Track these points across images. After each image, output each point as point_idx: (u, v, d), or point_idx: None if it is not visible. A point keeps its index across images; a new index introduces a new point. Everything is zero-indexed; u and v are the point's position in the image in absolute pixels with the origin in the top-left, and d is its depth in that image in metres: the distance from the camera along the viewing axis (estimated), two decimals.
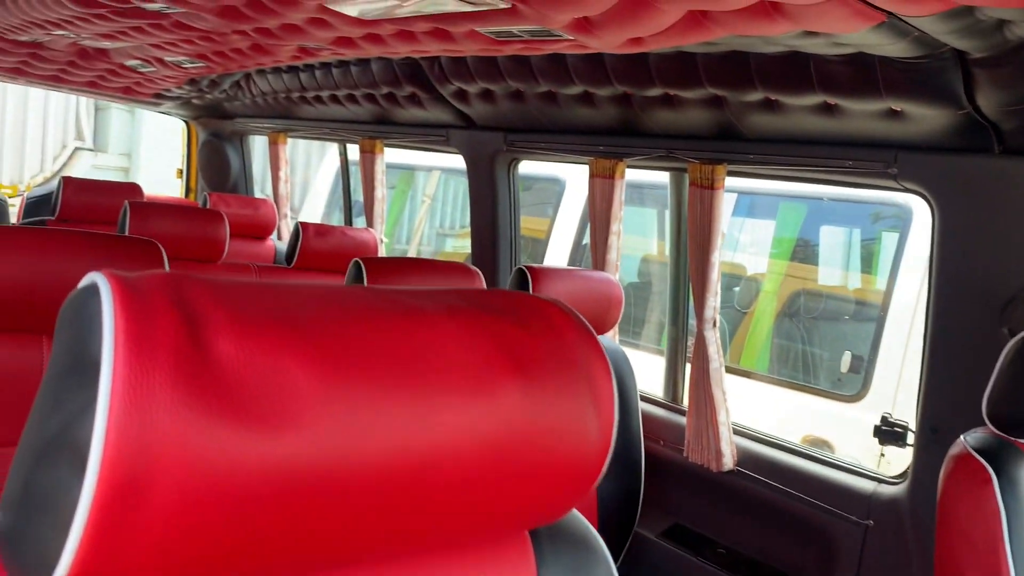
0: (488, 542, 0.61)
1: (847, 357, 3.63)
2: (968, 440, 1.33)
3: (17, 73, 3.93)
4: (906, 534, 1.96)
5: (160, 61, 3.38)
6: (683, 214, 2.70)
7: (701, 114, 2.23)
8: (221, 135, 4.93)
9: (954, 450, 1.35)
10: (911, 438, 2.07)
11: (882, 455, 3.25)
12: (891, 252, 3.73)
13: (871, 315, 3.77)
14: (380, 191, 3.73)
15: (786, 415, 3.70)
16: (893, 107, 1.82)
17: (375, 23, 2.10)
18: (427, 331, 0.52)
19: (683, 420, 2.49)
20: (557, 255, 4.80)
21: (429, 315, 0.54)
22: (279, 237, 4.42)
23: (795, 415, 3.69)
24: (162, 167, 7.63)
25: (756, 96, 2.03)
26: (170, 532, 0.44)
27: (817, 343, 3.98)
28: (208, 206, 3.88)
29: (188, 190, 5.34)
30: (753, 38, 1.74)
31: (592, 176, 2.69)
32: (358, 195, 4.18)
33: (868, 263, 4.03)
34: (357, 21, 2.09)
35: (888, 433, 2.16)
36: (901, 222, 3.64)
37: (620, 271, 2.79)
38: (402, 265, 2.05)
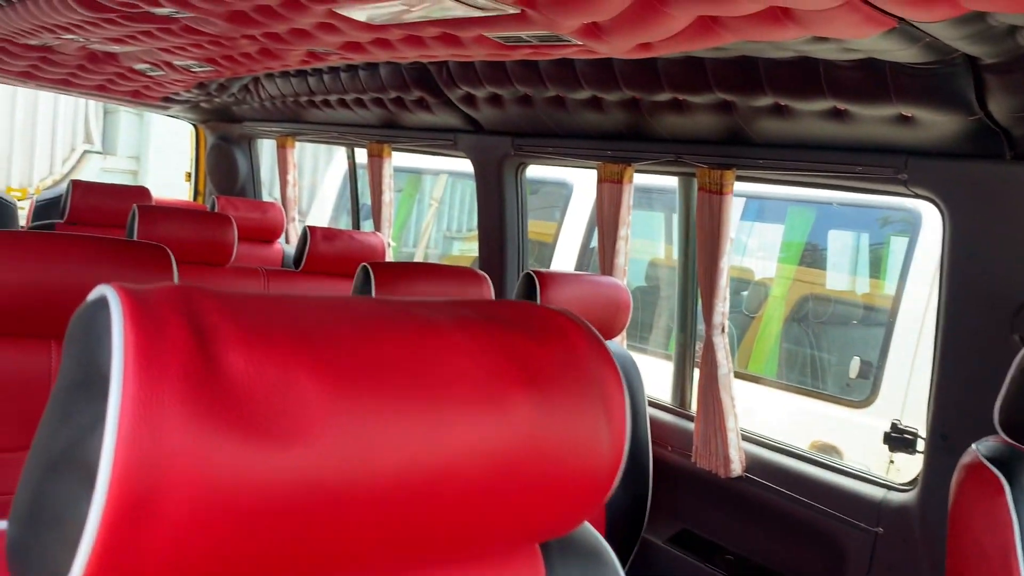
0: (498, 555, 0.61)
1: (856, 362, 3.61)
2: (980, 449, 1.32)
3: (27, 77, 3.95)
4: (916, 542, 1.94)
5: (169, 65, 3.39)
6: (692, 219, 2.69)
7: (710, 119, 2.22)
8: (229, 139, 4.94)
9: (966, 459, 1.34)
10: (921, 445, 2.06)
11: (891, 462, 3.23)
12: (900, 257, 3.71)
13: (880, 320, 3.75)
14: (388, 195, 3.73)
15: (794, 420, 3.69)
16: (903, 113, 1.81)
17: (384, 28, 2.10)
18: (437, 343, 0.52)
19: (691, 426, 2.48)
20: (564, 259, 4.80)
21: (439, 327, 0.53)
22: (287, 241, 4.43)
23: (803, 420, 3.67)
24: (170, 170, 7.66)
25: (765, 101, 2.02)
26: (180, 548, 0.43)
27: (825, 348, 3.96)
28: (216, 210, 3.89)
29: (196, 193, 5.35)
30: (763, 43, 1.73)
31: (600, 181, 2.68)
32: (365, 198, 4.18)
33: (877, 268, 4.01)
34: (366, 26, 2.09)
35: (898, 440, 2.15)
36: (910, 227, 3.62)
37: (627, 275, 2.79)
38: (410, 270, 2.05)
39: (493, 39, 2.00)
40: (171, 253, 1.61)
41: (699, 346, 2.50)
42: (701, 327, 2.47)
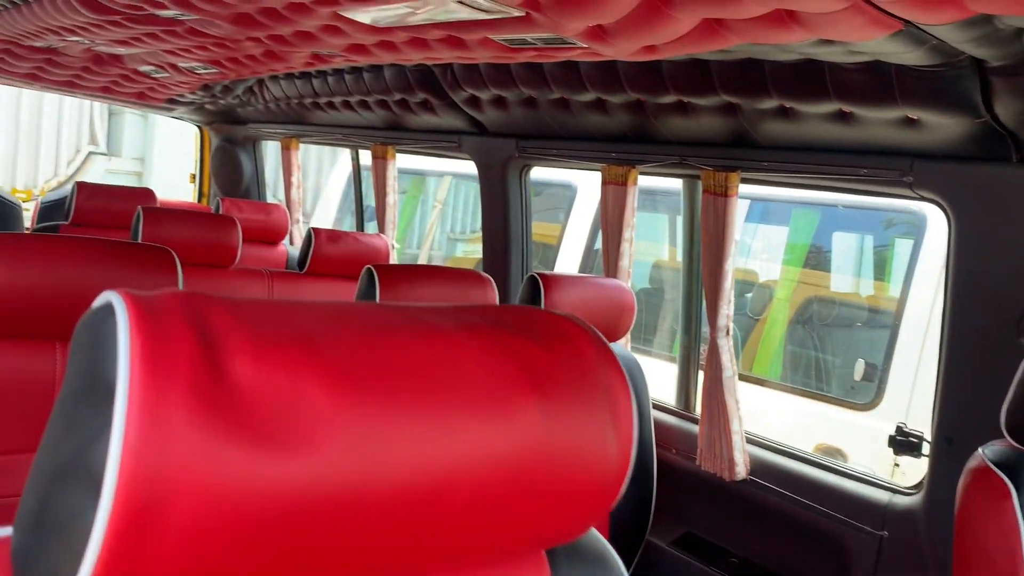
0: (505, 562, 0.60)
1: (860, 365, 3.60)
2: (986, 453, 1.31)
3: (32, 78, 3.96)
4: (922, 546, 1.94)
5: (174, 67, 3.40)
6: (696, 221, 2.69)
7: (715, 121, 2.22)
8: (234, 140, 4.95)
9: (972, 463, 1.33)
10: (926, 448, 2.05)
11: (896, 465, 3.23)
12: (904, 259, 3.70)
13: (884, 322, 3.75)
14: (392, 197, 3.73)
15: (798, 423, 3.68)
16: (909, 115, 1.80)
17: (388, 30, 2.10)
18: (444, 349, 0.52)
19: (696, 428, 2.48)
20: (568, 261, 4.80)
21: (446, 333, 0.53)
22: (291, 242, 4.43)
23: (807, 423, 3.66)
24: (175, 172, 7.67)
25: (770, 104, 2.02)
26: (186, 556, 0.43)
27: (830, 350, 3.95)
28: (221, 212, 3.89)
29: (201, 195, 5.36)
30: (768, 46, 1.73)
31: (604, 183, 2.68)
32: (369, 200, 4.19)
33: (881, 270, 4.01)
34: (370, 28, 2.09)
35: (903, 443, 2.14)
36: (915, 229, 3.61)
37: (631, 277, 2.79)
38: (414, 272, 2.05)
39: (497, 41, 2.00)
40: (176, 256, 1.61)
41: (703, 348, 2.50)
42: (705, 329, 2.47)
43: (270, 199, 5.26)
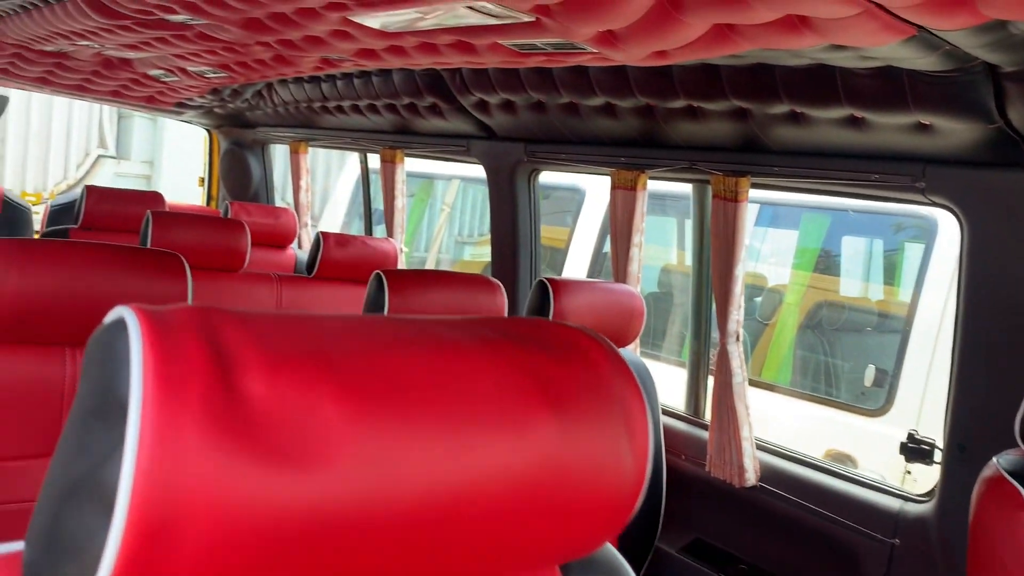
0: None
1: (871, 370, 3.58)
2: (1001, 462, 1.30)
3: (43, 82, 3.97)
4: (934, 554, 1.92)
5: (183, 71, 3.40)
6: (706, 226, 2.68)
7: (725, 126, 2.21)
8: (243, 144, 4.96)
9: (986, 472, 1.32)
10: (938, 456, 2.04)
11: (908, 472, 3.21)
12: (914, 263, 3.68)
13: (895, 327, 3.73)
14: (400, 201, 3.73)
15: (808, 428, 3.66)
16: (922, 121, 1.79)
17: (398, 35, 2.10)
18: (458, 364, 0.51)
19: (705, 434, 2.46)
20: (576, 265, 4.79)
21: (460, 347, 0.53)
22: (299, 246, 4.43)
23: (817, 428, 3.65)
24: (184, 175, 7.69)
25: (781, 108, 2.01)
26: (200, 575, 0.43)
27: (840, 355, 3.93)
28: (230, 215, 3.90)
29: (210, 198, 5.37)
30: (779, 51, 1.72)
31: (613, 187, 2.68)
32: (378, 203, 4.19)
33: (891, 274, 3.99)
34: (380, 33, 2.09)
35: (914, 450, 2.13)
36: (926, 233, 3.59)
37: (640, 282, 2.78)
38: (423, 277, 2.04)
39: (507, 46, 1.99)
40: (185, 261, 1.61)
41: (713, 353, 2.49)
42: (715, 335, 2.46)
43: (278, 203, 5.27)
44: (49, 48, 3.16)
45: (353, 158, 5.98)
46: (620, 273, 2.71)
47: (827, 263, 4.14)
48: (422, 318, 0.56)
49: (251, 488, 0.42)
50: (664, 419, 2.57)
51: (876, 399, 3.55)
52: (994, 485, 1.27)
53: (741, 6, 1.40)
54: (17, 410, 1.47)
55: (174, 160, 8.14)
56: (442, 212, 6.56)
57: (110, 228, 3.62)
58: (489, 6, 1.66)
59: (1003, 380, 1.78)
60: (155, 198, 3.90)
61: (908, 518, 1.99)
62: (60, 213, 4.40)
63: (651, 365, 2.51)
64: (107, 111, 8.01)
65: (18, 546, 0.50)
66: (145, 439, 0.41)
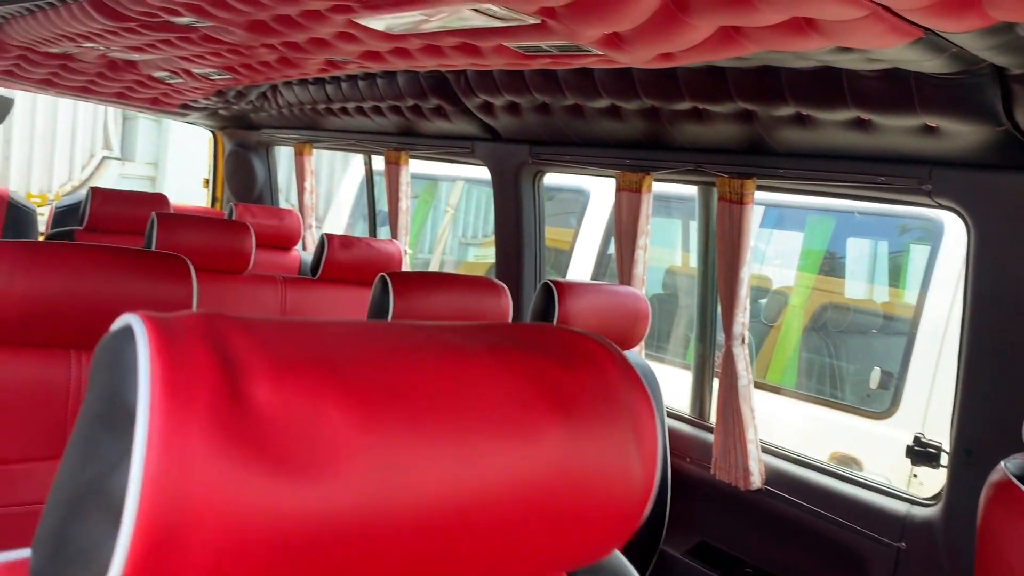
0: None
1: (876, 373, 3.57)
2: (1008, 467, 1.29)
3: (48, 84, 3.98)
4: (941, 558, 1.92)
5: (188, 73, 3.41)
6: (711, 228, 2.68)
7: (730, 128, 2.21)
8: (247, 145, 4.96)
9: (994, 476, 1.31)
10: (945, 459, 2.03)
11: (914, 476, 3.20)
12: (919, 265, 3.67)
13: (900, 330, 3.72)
14: (405, 202, 3.73)
15: (813, 431, 3.65)
16: (928, 123, 1.79)
17: (403, 38, 2.09)
18: (466, 371, 0.51)
19: (710, 437, 2.46)
20: (581, 266, 4.79)
21: (468, 354, 0.52)
22: (304, 248, 4.44)
23: (822, 431, 3.64)
24: (188, 176, 7.70)
25: (787, 111, 2.01)
26: None
27: (845, 358, 3.93)
28: (234, 217, 3.90)
29: (214, 200, 5.38)
30: (785, 53, 1.72)
31: (618, 190, 2.67)
32: (382, 205, 4.19)
33: (896, 276, 3.98)
34: (385, 36, 2.09)
35: (921, 454, 2.12)
36: (932, 235, 3.59)
37: (645, 284, 2.77)
38: (428, 280, 2.04)
39: (512, 49, 1.99)
40: (190, 263, 1.61)
41: (718, 356, 2.48)
42: (720, 337, 2.45)
43: (282, 204, 5.27)
44: (54, 50, 3.16)
45: (357, 159, 5.99)
46: (625, 275, 2.71)
47: (832, 265, 4.13)
48: (428, 324, 0.55)
49: (258, 496, 0.42)
50: (669, 422, 2.56)
51: (881, 402, 3.54)
52: (1002, 489, 1.27)
53: (747, 8, 1.40)
54: (22, 413, 1.47)
55: (179, 162, 8.15)
56: (446, 214, 6.56)
57: (115, 230, 3.62)
58: (494, 8, 1.66)
59: (1010, 384, 1.77)
60: (160, 200, 3.91)
61: (915, 522, 1.99)
62: (65, 215, 4.41)
63: (655, 367, 2.51)
64: (112, 113, 8.03)
65: (24, 553, 0.50)
66: (153, 447, 0.40)
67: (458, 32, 1.94)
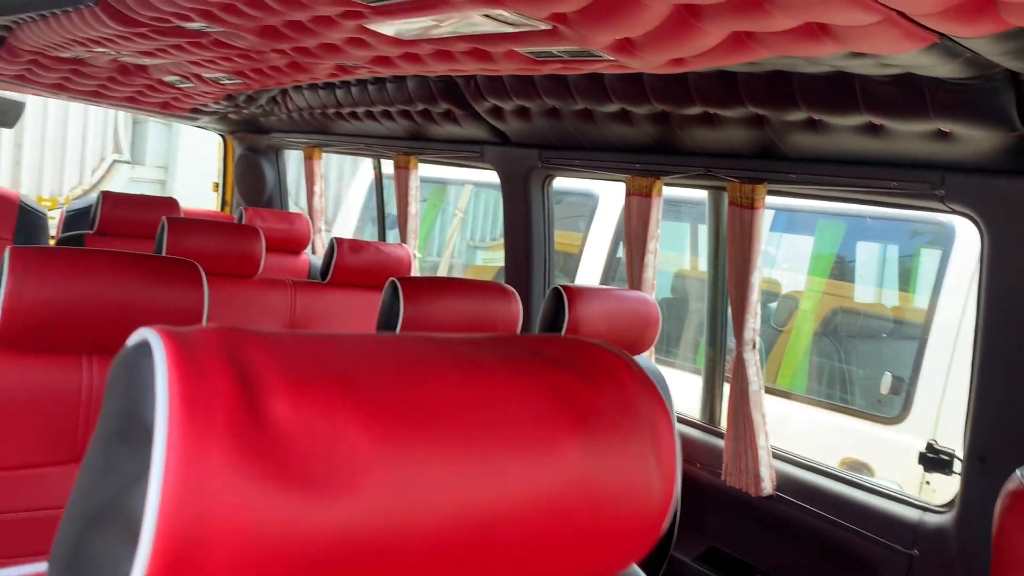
0: None
1: (887, 378, 3.55)
2: None
3: (59, 88, 4.00)
4: (954, 566, 1.90)
5: (198, 77, 3.42)
6: (722, 233, 2.67)
7: (741, 133, 2.20)
8: (257, 149, 4.97)
9: (1010, 485, 1.30)
10: (957, 466, 2.02)
11: (927, 483, 3.18)
12: (929, 269, 3.66)
13: (911, 334, 3.70)
14: (414, 206, 3.73)
15: (823, 436, 3.64)
16: (941, 128, 1.78)
17: (413, 43, 2.09)
18: (485, 386, 0.51)
19: (721, 443, 2.45)
20: (590, 270, 4.78)
21: (486, 367, 0.52)
22: (313, 251, 4.44)
23: (833, 436, 3.62)
24: (198, 180, 7.73)
25: (799, 115, 2.00)
26: None
27: (855, 362, 3.91)
28: (244, 221, 3.91)
29: (224, 203, 5.39)
30: (797, 58, 1.71)
31: (628, 194, 2.67)
32: (391, 208, 4.19)
33: (907, 280, 3.96)
34: (395, 41, 2.09)
35: (934, 460, 2.11)
36: (944, 239, 3.57)
37: (655, 289, 2.76)
38: (438, 285, 2.04)
39: (523, 54, 1.99)
40: (201, 269, 1.61)
41: (728, 360, 2.47)
42: (730, 341, 2.44)
43: (292, 208, 5.29)
44: (65, 55, 3.17)
45: (366, 163, 5.99)
46: (635, 280, 2.70)
47: (842, 269, 4.11)
48: (445, 336, 0.55)
49: (278, 513, 0.42)
50: (679, 427, 2.55)
51: (892, 407, 3.52)
52: (1018, 499, 1.25)
53: (760, 14, 1.39)
54: (34, 418, 1.48)
55: (188, 165, 8.18)
56: (455, 217, 6.57)
57: (125, 234, 3.63)
58: (505, 14, 1.65)
59: None
60: (170, 204, 3.92)
61: (927, 529, 1.97)
62: (75, 218, 4.42)
63: (665, 372, 2.50)
64: (122, 116, 8.07)
65: (41, 567, 0.50)
66: (171, 464, 0.40)
67: (469, 37, 1.93)
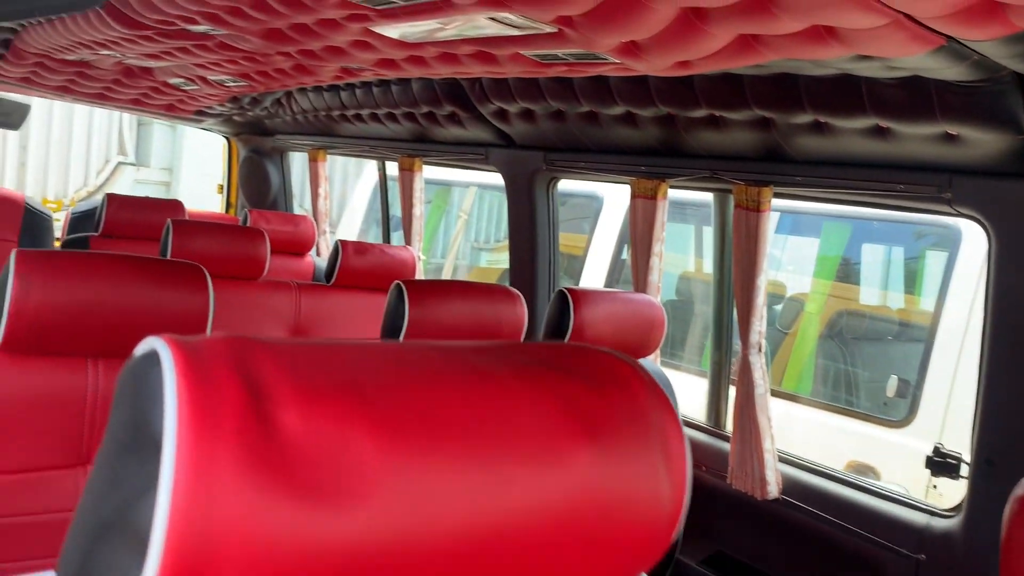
0: None
1: (893, 381, 3.54)
2: None
3: (64, 91, 4.01)
4: (962, 571, 1.89)
5: (203, 80, 3.42)
6: (727, 235, 2.66)
7: (747, 135, 2.19)
8: (261, 151, 4.98)
9: (1019, 491, 1.29)
10: (965, 469, 2.01)
11: (934, 487, 3.16)
12: (934, 270, 3.64)
13: (917, 336, 3.69)
14: (418, 208, 3.73)
15: (829, 439, 3.63)
16: (948, 131, 1.77)
17: (418, 46, 2.09)
18: (495, 394, 0.50)
19: (726, 446, 2.44)
20: (594, 272, 4.77)
21: (495, 377, 0.51)
22: (318, 253, 4.44)
23: (838, 439, 3.61)
24: (202, 182, 7.74)
25: (805, 118, 1.99)
26: None
27: (861, 365, 3.89)
28: (249, 223, 3.91)
29: (228, 205, 5.39)
30: (803, 61, 1.70)
31: (633, 196, 2.66)
32: (395, 209, 4.19)
33: (912, 282, 3.95)
34: (400, 44, 2.09)
35: (941, 464, 2.10)
36: (950, 241, 3.55)
37: (660, 292, 2.76)
38: (443, 288, 2.04)
39: (529, 57, 1.98)
40: (207, 272, 1.61)
41: (734, 363, 2.47)
42: (736, 344, 2.43)
43: (296, 210, 5.29)
44: (71, 57, 3.18)
45: (370, 165, 6.00)
46: (640, 283, 2.70)
47: (848, 271, 4.10)
48: (454, 344, 0.55)
49: (287, 525, 0.42)
50: (685, 430, 2.54)
51: (899, 410, 3.51)
52: None
53: (767, 17, 1.39)
54: (40, 422, 1.48)
55: (193, 167, 8.19)
56: (459, 219, 6.57)
57: (130, 236, 3.64)
58: (511, 17, 1.65)
59: None
60: (175, 206, 3.93)
61: (934, 533, 1.96)
62: (81, 220, 4.43)
63: (669, 374, 2.49)
64: (127, 118, 8.08)
65: (48, 575, 0.49)
66: (180, 476, 0.40)
67: (474, 40, 1.93)
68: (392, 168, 4.00)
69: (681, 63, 1.75)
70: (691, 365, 4.41)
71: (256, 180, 5.04)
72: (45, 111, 7.52)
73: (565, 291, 2.23)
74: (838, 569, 2.14)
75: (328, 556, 0.43)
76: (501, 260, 6.45)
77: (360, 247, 3.10)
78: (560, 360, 0.56)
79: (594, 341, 2.26)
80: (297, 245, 4.04)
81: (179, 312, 1.55)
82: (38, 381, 1.48)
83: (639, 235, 2.67)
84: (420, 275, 3.49)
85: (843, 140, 1.99)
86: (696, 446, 2.56)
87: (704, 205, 4.26)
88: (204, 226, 2.86)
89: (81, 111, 7.70)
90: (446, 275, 6.55)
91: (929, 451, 2.28)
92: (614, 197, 4.76)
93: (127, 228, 3.66)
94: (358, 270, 3.07)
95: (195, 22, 2.20)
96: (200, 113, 4.53)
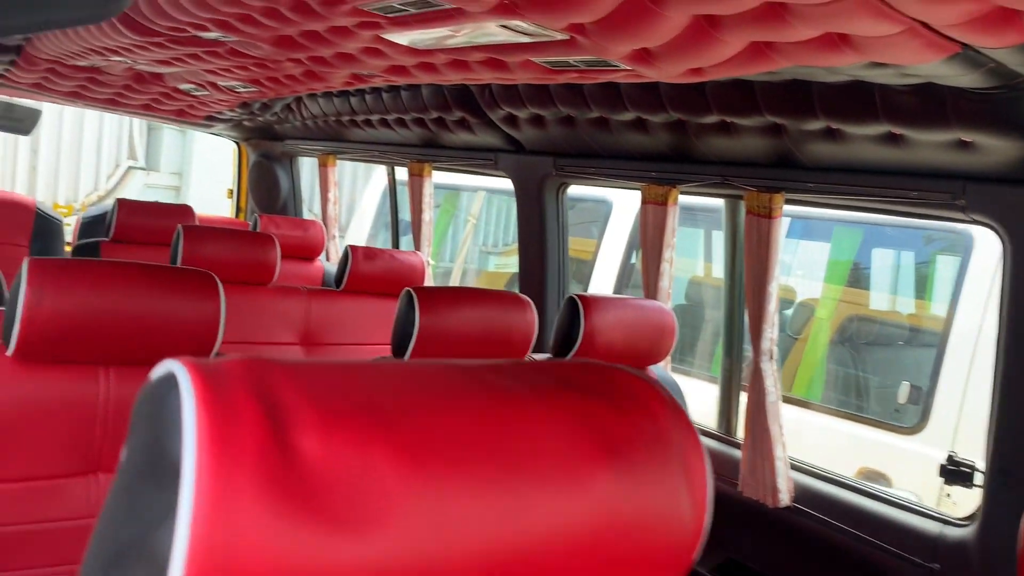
0: None
1: (905, 387, 3.52)
2: None
3: (75, 96, 4.02)
4: None
5: (213, 85, 3.43)
6: (738, 241, 2.65)
7: (758, 141, 2.18)
8: (271, 156, 4.99)
9: None
10: (979, 478, 1.99)
11: (948, 495, 3.14)
12: (945, 276, 3.62)
13: (929, 342, 3.66)
14: (428, 214, 3.73)
15: (840, 445, 3.61)
16: (963, 138, 1.76)
17: (429, 52, 2.09)
18: (515, 416, 0.50)
19: (737, 453, 2.43)
20: (604, 277, 4.76)
21: (515, 397, 0.51)
22: (327, 258, 4.45)
23: (850, 445, 3.59)
24: (212, 186, 7.75)
25: (817, 125, 1.98)
26: None
27: (872, 371, 3.87)
28: (259, 228, 3.92)
29: (238, 210, 5.41)
30: (816, 67, 1.70)
31: (644, 202, 2.65)
32: (404, 214, 4.19)
33: (923, 288, 3.93)
34: (411, 50, 2.09)
35: (954, 473, 2.08)
36: (962, 247, 3.53)
37: (671, 298, 2.75)
38: (453, 294, 2.03)
39: (539, 64, 1.98)
40: (217, 279, 1.61)
41: (745, 369, 2.45)
42: (747, 350, 2.42)
43: (306, 214, 5.30)
44: (82, 63, 3.19)
45: (379, 170, 6.00)
46: (651, 289, 2.69)
47: (858, 276, 4.08)
48: (472, 363, 0.54)
49: (308, 552, 0.41)
50: None
51: (910, 416, 3.49)
52: None
53: (780, 24, 1.38)
54: (52, 429, 1.48)
55: (203, 172, 8.21)
56: (468, 223, 6.57)
57: (141, 241, 3.65)
58: (522, 24, 1.65)
59: None
60: (185, 212, 3.94)
61: (948, 543, 1.95)
62: (91, 225, 4.44)
63: (679, 380, 2.48)
64: (137, 123, 8.10)
65: None
66: (199, 504, 0.39)
67: (485, 47, 1.93)
68: (401, 172, 4.00)
69: (693, 70, 1.75)
70: (701, 371, 4.39)
71: (266, 185, 5.04)
72: (56, 116, 7.56)
73: (575, 298, 2.22)
74: None
75: None
76: (510, 264, 6.44)
77: (369, 252, 3.10)
78: (579, 379, 0.56)
79: (604, 348, 2.25)
80: (307, 250, 4.04)
81: (191, 319, 1.55)
82: (51, 389, 1.49)
83: (650, 241, 2.66)
84: (429, 280, 3.49)
85: (856, 147, 1.98)
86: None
87: (714, 210, 4.25)
88: (214, 232, 2.87)
89: (91, 116, 7.73)
90: (455, 279, 6.55)
91: (941, 458, 2.27)
92: (623, 201, 4.75)
93: (137, 233, 3.67)
94: (368, 275, 3.07)
95: (206, 29, 2.21)
96: (210, 118, 4.54)
